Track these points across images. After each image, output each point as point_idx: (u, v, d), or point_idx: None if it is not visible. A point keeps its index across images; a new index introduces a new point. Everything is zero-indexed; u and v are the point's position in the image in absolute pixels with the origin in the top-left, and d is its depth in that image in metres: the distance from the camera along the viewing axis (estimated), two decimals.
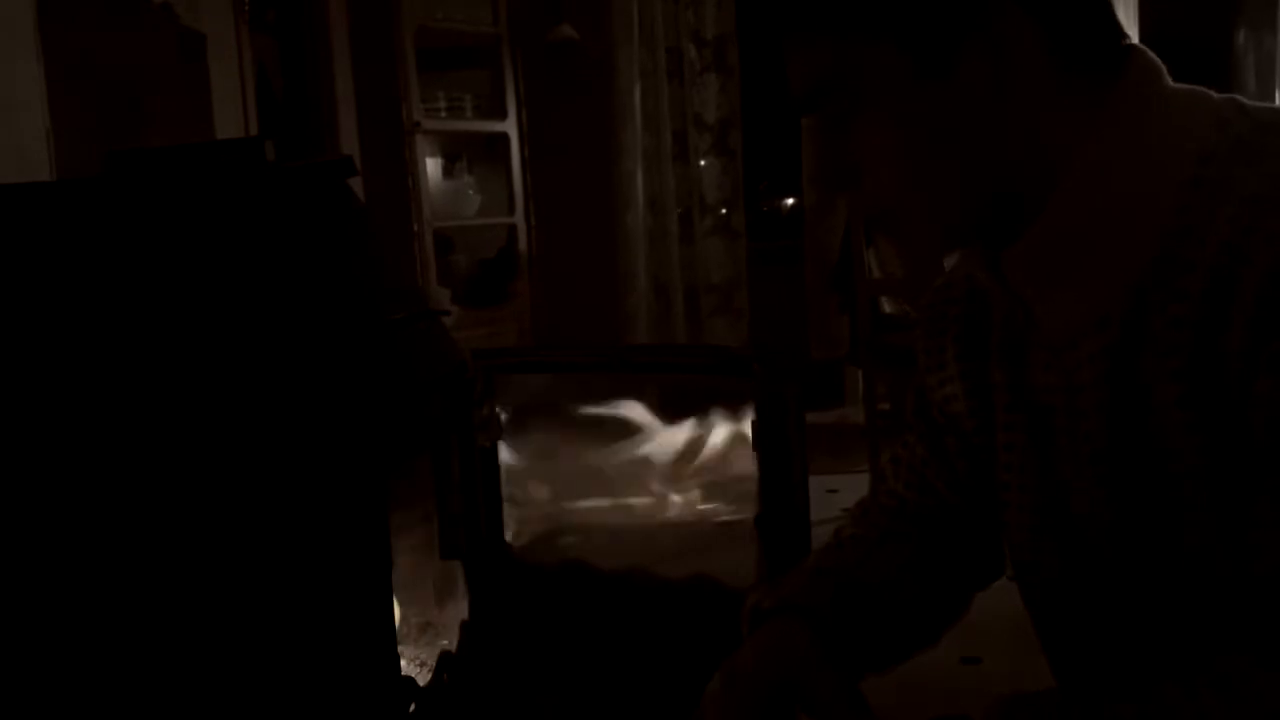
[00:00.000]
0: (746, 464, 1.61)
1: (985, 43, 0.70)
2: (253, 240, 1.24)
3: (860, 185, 0.77)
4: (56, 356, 1.21)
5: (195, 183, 1.27)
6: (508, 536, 1.74)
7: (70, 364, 1.21)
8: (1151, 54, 0.75)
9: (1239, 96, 0.74)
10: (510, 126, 4.01)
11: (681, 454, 1.76)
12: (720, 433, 1.71)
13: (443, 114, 3.92)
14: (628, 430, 1.75)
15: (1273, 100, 3.35)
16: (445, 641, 1.60)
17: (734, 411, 1.66)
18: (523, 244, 4.10)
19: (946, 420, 0.92)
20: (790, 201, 4.66)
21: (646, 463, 1.76)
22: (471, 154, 4.17)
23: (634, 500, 1.78)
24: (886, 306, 3.36)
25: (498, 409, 1.71)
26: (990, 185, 0.74)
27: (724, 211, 4.32)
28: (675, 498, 1.77)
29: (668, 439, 1.76)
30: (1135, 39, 0.79)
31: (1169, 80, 0.74)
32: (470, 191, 4.11)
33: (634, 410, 1.74)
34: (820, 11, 0.74)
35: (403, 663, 1.39)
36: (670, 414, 1.74)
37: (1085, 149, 0.72)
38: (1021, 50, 0.71)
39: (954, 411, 0.90)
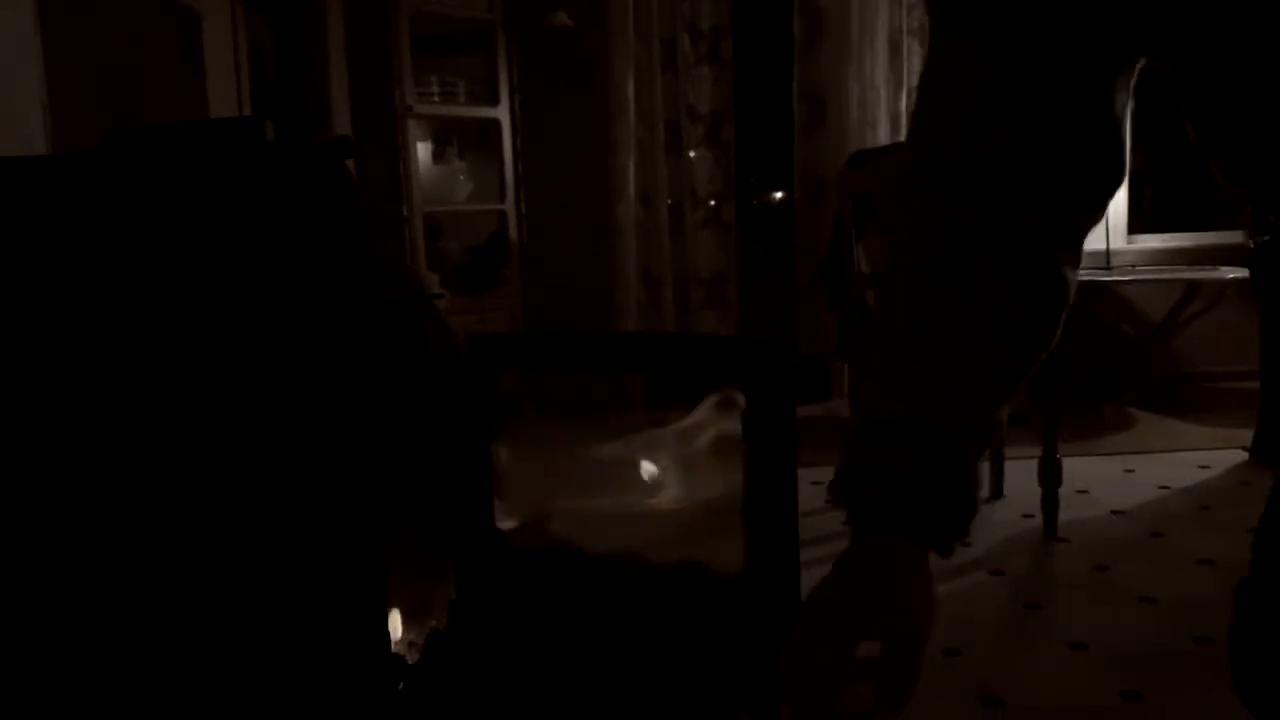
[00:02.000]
0: (735, 453, 1.62)
1: None
2: (252, 219, 1.25)
3: None
4: (48, 331, 1.21)
5: (194, 160, 1.28)
6: (497, 520, 1.75)
7: (62, 339, 1.21)
8: None
9: None
10: (502, 113, 4.01)
11: (671, 442, 1.77)
12: (709, 421, 1.73)
13: (435, 99, 3.92)
14: (619, 417, 1.76)
15: None
16: (434, 621, 1.61)
17: (724, 400, 1.67)
18: (513, 231, 4.10)
19: None
20: (780, 195, 4.68)
21: (636, 450, 1.77)
22: (463, 139, 4.17)
23: (623, 486, 1.80)
24: (873, 301, 3.38)
25: (490, 393, 1.72)
26: None
27: (714, 204, 4.34)
28: (664, 485, 1.78)
29: (658, 427, 1.77)
30: None
31: None
32: (461, 177, 4.10)
33: (625, 398, 1.75)
34: None
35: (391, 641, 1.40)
36: (660, 402, 1.76)
37: None
38: None
39: None
